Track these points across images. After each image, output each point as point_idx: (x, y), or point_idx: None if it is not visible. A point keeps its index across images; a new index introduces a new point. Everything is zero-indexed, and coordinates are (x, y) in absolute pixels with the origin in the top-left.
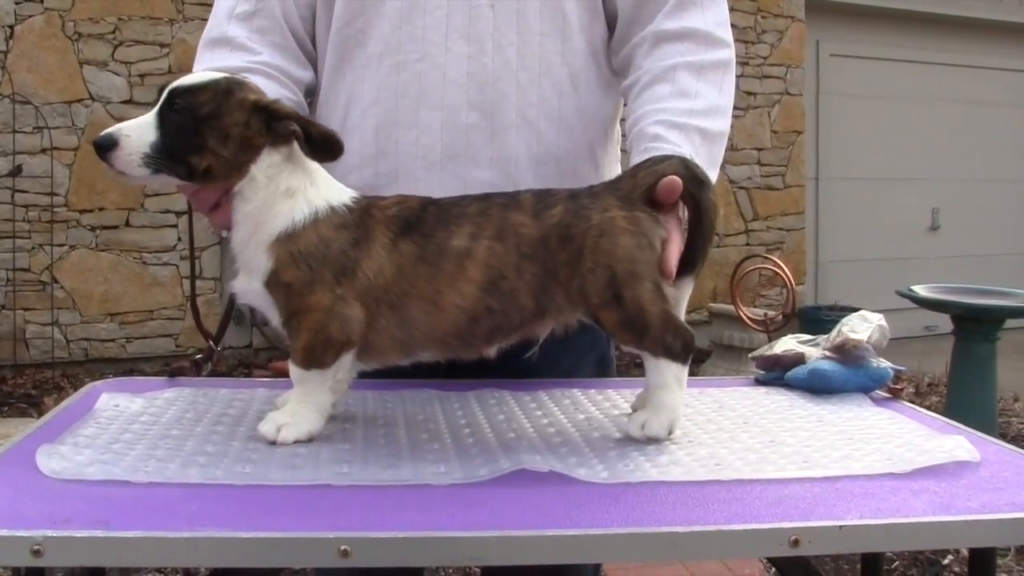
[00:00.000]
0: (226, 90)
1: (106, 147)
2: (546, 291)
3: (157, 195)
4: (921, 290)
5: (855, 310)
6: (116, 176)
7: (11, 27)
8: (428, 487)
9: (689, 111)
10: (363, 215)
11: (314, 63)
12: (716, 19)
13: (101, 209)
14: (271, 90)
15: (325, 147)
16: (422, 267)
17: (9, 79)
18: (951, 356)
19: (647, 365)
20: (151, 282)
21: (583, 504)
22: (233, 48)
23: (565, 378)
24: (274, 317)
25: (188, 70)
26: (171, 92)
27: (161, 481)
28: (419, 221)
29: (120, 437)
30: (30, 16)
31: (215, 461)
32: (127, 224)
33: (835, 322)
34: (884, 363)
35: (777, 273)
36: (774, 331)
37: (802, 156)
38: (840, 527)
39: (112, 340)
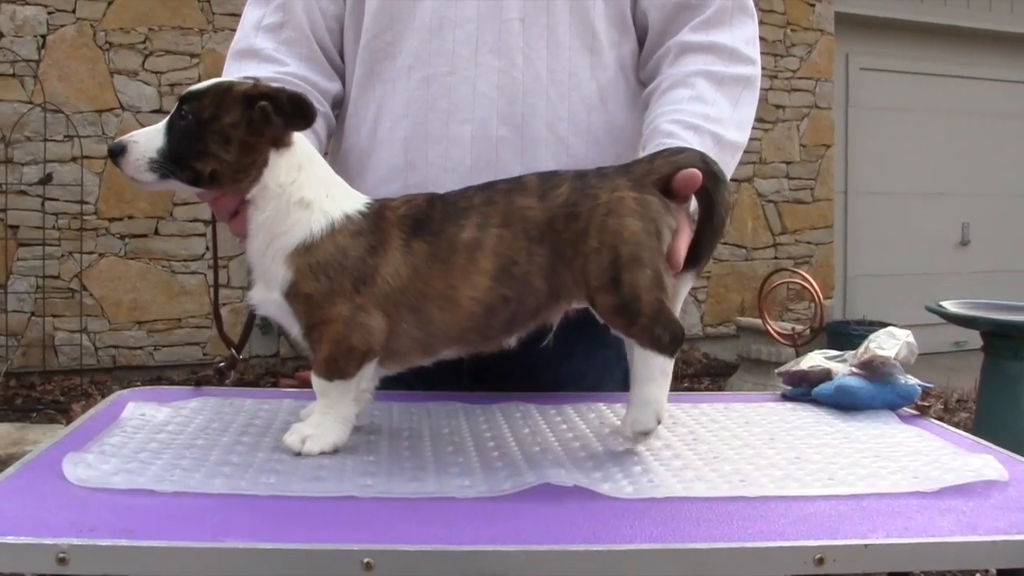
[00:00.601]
0: (225, 90)
1: (116, 152)
2: (556, 272)
3: (186, 204)
4: (950, 306)
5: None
6: (129, 181)
7: (43, 37)
8: (452, 500)
9: (705, 116)
10: (377, 219)
11: (342, 75)
12: (744, 37)
13: (130, 217)
14: None
15: (297, 112)
16: (435, 265)
17: (41, 88)
18: (980, 373)
19: (635, 354)
20: (179, 290)
21: (607, 519)
22: (260, 60)
23: (591, 392)
24: (293, 328)
25: None
26: (180, 99)
27: (185, 491)
28: (428, 218)
29: (146, 446)
30: (62, 26)
31: (240, 471)
32: (156, 232)
33: (863, 337)
34: (912, 380)
35: (805, 287)
36: (802, 345)
37: (831, 170)
38: (866, 545)
39: (140, 348)
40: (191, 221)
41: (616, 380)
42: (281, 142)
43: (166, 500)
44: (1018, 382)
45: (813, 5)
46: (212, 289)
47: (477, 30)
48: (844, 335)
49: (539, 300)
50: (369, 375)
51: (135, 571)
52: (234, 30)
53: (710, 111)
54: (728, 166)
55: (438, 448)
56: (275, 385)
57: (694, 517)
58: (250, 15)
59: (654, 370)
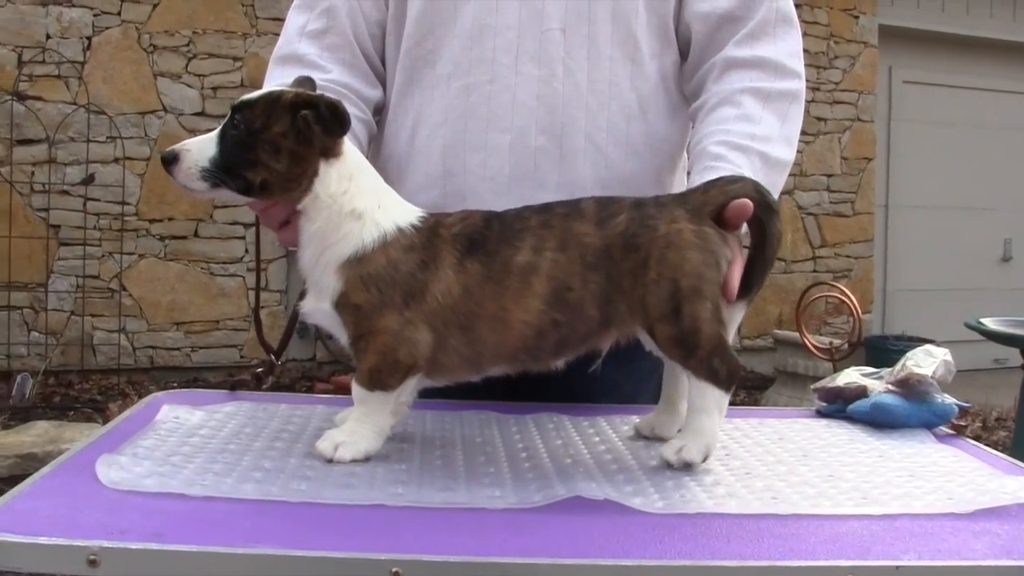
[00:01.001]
0: (275, 99)
1: (169, 160)
2: (610, 301)
3: (226, 207)
4: (989, 323)
5: (923, 340)
6: (181, 189)
7: (89, 39)
8: (482, 511)
9: (752, 135)
10: (430, 235)
11: (383, 81)
12: (788, 49)
13: (170, 219)
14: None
15: (334, 119)
16: (488, 286)
17: (85, 89)
18: (1019, 391)
19: (691, 385)
20: (217, 293)
21: (637, 534)
22: (304, 66)
23: (625, 403)
24: (342, 337)
25: (260, 84)
26: (233, 108)
27: (216, 495)
28: (483, 238)
29: (179, 450)
30: (107, 28)
31: (271, 477)
32: (195, 235)
33: (902, 352)
34: (949, 399)
35: (843, 301)
36: (839, 360)
37: (872, 183)
38: (897, 567)
39: (177, 349)
40: (231, 224)
41: (650, 391)
42: (331, 152)
43: (197, 504)
44: None
45: (857, 17)
46: (252, 293)
47: (518, 38)
48: (883, 350)
49: (590, 327)
50: (410, 389)
51: (165, 574)
52: (277, 34)
53: (757, 130)
54: (776, 184)
55: (470, 458)
56: (311, 389)
57: (725, 534)
58: (294, 21)
59: (709, 402)
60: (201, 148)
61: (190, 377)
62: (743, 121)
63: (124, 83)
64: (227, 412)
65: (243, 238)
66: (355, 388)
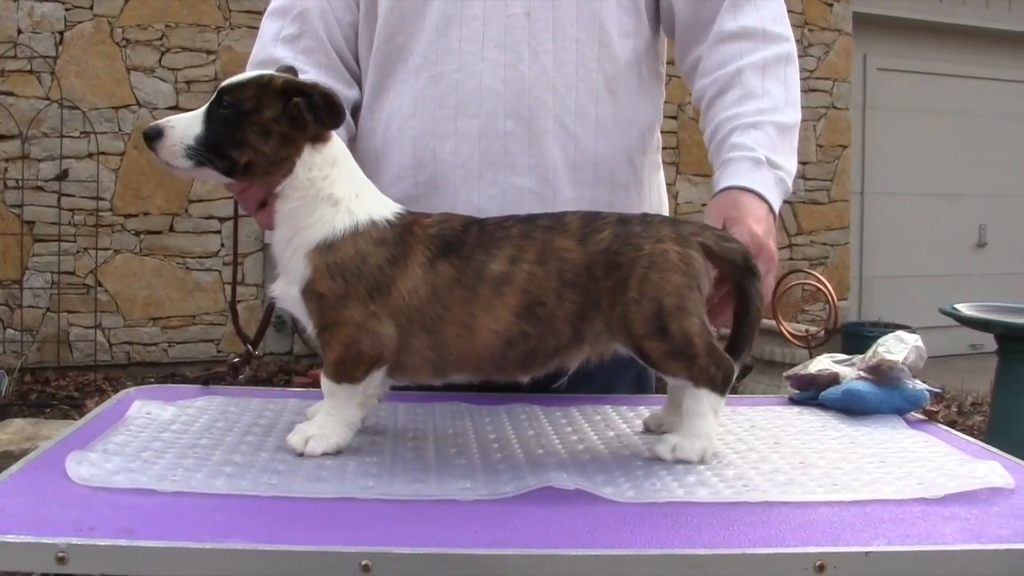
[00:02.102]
0: (267, 83)
1: (152, 136)
2: (585, 318)
3: (201, 201)
4: (964, 308)
5: (899, 327)
6: (163, 166)
7: (61, 33)
8: (453, 503)
9: (760, 110)
10: (404, 232)
11: (359, 81)
12: (772, 15)
13: (146, 214)
14: None
15: (328, 110)
16: (458, 291)
17: (58, 84)
18: (994, 376)
19: (686, 392)
20: (194, 287)
21: (608, 523)
22: (280, 69)
23: (600, 394)
24: (308, 326)
25: None
26: (221, 89)
27: (187, 491)
28: (459, 243)
29: (149, 445)
30: (79, 22)
31: (242, 471)
32: (171, 229)
33: (878, 338)
34: (920, 385)
35: (820, 289)
36: (816, 347)
37: (847, 171)
38: (867, 553)
39: (154, 344)
40: (206, 218)
41: (627, 381)
42: (319, 138)
43: (167, 500)
44: None
45: (831, 5)
46: (229, 286)
47: (483, 27)
48: (859, 337)
49: (560, 342)
50: (377, 381)
51: (134, 571)
52: (251, 27)
53: (763, 104)
54: (793, 145)
55: (441, 450)
56: (288, 383)
57: (695, 522)
58: (268, 28)
59: (705, 406)
60: (187, 126)
61: (167, 372)
62: (748, 100)
63: (97, 78)
64: (199, 407)
65: (219, 232)
66: (323, 380)
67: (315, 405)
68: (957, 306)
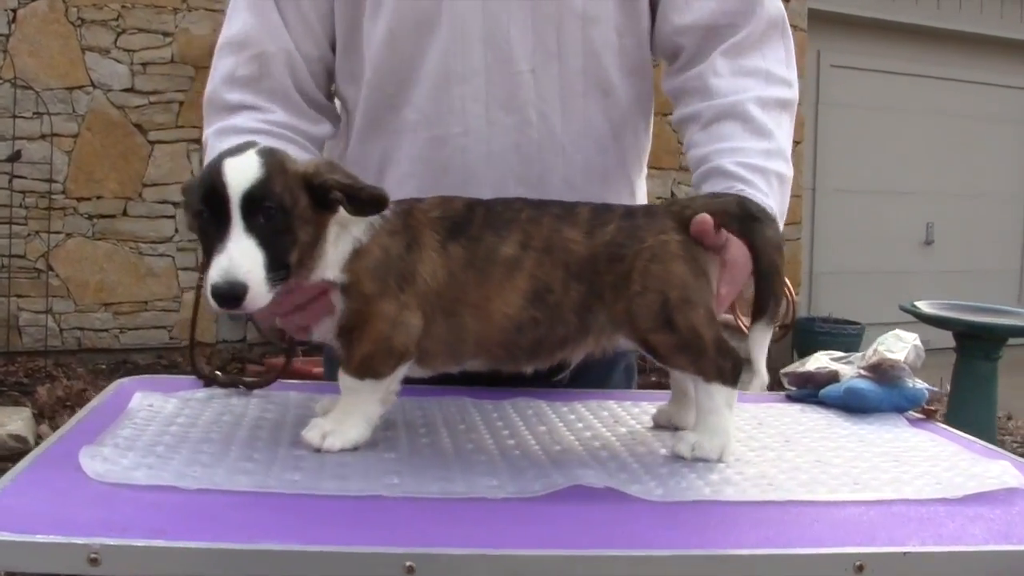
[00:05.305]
0: (281, 168)
1: (238, 296)
2: (590, 310)
3: (155, 185)
4: (924, 306)
5: (849, 323)
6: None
7: (14, 11)
8: (482, 500)
9: (766, 152)
10: (406, 218)
11: (328, 112)
12: (776, 57)
13: (99, 197)
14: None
15: (372, 206)
16: (471, 272)
17: (11, 63)
18: (952, 373)
19: (697, 389)
20: (146, 273)
21: (641, 523)
22: (245, 108)
23: (596, 386)
24: (324, 325)
25: (190, 60)
26: (248, 196)
27: (210, 488)
28: (466, 223)
29: (160, 439)
30: (33, 1)
31: (263, 468)
32: (124, 213)
33: (829, 334)
34: (919, 383)
35: None
36: (774, 342)
37: (800, 167)
38: (904, 553)
39: (106, 330)
40: (160, 203)
41: (619, 372)
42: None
43: (192, 498)
44: (989, 382)
45: (788, 1)
46: (183, 272)
47: (486, 84)
48: (809, 332)
49: (568, 332)
50: (400, 376)
51: (169, 572)
52: (208, 10)
53: (770, 146)
54: (787, 200)
55: (458, 445)
56: (242, 372)
57: (727, 522)
58: (222, 65)
59: (719, 402)
60: (252, 259)
61: (119, 359)
62: (757, 137)
63: (51, 57)
64: (200, 399)
65: (172, 217)
66: (343, 377)
67: (324, 400)
68: (917, 304)
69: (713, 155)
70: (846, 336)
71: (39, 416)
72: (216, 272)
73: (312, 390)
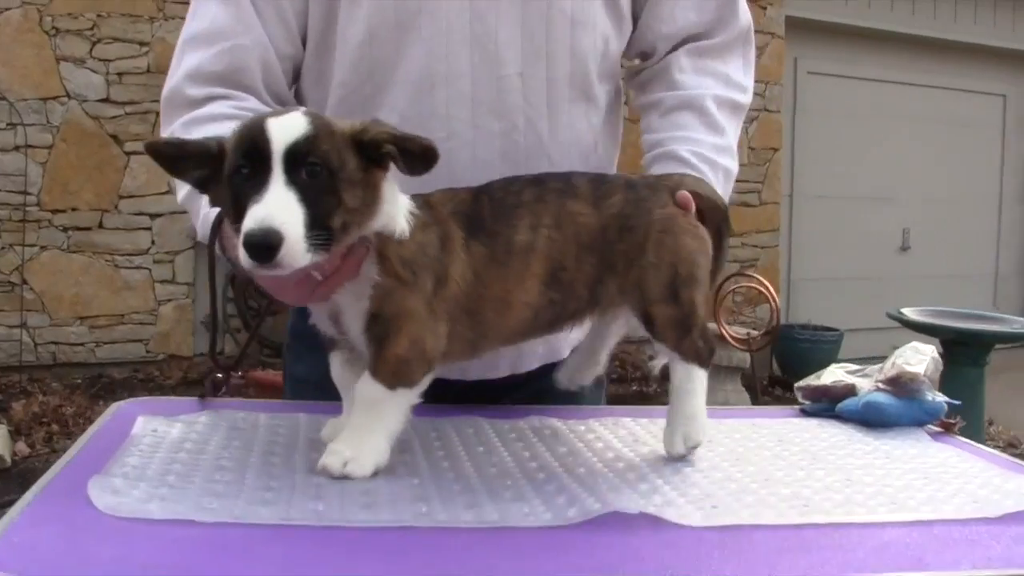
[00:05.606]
0: (328, 129)
1: (274, 245)
2: (601, 281)
3: (132, 197)
4: (911, 313)
5: (828, 329)
6: (270, 274)
7: None
8: (515, 530)
9: (717, 147)
10: (430, 211)
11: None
12: (736, 64)
13: (74, 209)
14: None
15: (423, 160)
16: (493, 268)
17: None
18: (939, 379)
19: (676, 368)
20: (123, 286)
21: (683, 549)
22: (210, 99)
23: (576, 394)
24: (355, 323)
25: (167, 70)
26: (292, 151)
27: (230, 521)
28: (478, 217)
29: (170, 468)
30: (7, 9)
31: (283, 497)
32: (100, 226)
33: (809, 341)
34: (939, 396)
35: (760, 291)
36: (757, 350)
37: (778, 173)
38: None
39: (81, 344)
40: (136, 215)
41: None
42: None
43: (213, 532)
44: (976, 388)
45: (765, 8)
46: (159, 285)
47: (472, 88)
48: (789, 339)
49: (579, 306)
50: (425, 386)
51: None
52: (184, 19)
53: (721, 141)
54: (728, 194)
55: (480, 469)
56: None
57: (773, 546)
58: (187, 60)
59: (696, 383)
60: (292, 212)
61: (95, 373)
62: (711, 131)
63: (25, 67)
64: (205, 423)
65: (149, 229)
66: (370, 388)
67: (327, 425)
68: (904, 311)
69: (668, 140)
70: (825, 343)
71: (15, 433)
72: (251, 220)
73: (318, 411)
